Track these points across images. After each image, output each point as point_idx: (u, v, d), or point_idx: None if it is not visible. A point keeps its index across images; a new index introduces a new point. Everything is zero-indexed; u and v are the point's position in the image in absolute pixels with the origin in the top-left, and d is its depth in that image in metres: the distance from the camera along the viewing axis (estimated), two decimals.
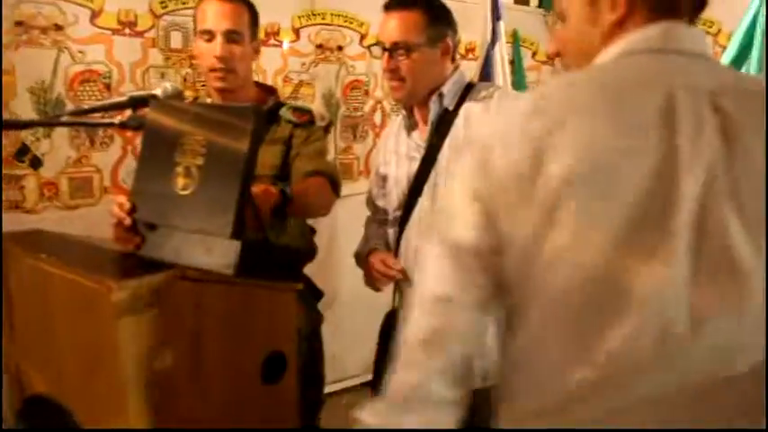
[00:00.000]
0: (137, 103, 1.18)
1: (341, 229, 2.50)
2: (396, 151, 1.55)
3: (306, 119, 1.52)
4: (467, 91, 1.46)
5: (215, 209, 1.02)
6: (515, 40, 3.14)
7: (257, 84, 1.62)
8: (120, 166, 2.32)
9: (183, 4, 2.39)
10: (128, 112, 1.17)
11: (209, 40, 1.44)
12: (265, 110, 1.48)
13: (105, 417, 0.99)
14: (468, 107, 1.43)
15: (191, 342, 1.01)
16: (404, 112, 1.53)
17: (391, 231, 1.55)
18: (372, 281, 1.55)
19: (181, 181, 1.06)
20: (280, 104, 1.55)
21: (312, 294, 1.65)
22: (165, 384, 0.97)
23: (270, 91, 1.62)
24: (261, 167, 1.43)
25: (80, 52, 2.20)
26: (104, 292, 0.91)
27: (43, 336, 1.13)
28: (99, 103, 1.30)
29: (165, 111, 1.13)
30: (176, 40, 2.40)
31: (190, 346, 1.01)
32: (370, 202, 1.69)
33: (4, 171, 2.10)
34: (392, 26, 1.41)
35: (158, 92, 1.19)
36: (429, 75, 1.42)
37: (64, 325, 1.06)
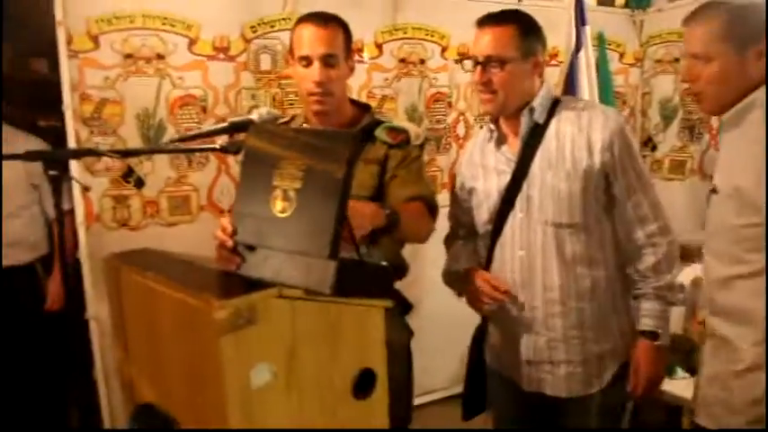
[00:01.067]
0: (236, 128, 1.24)
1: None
2: (483, 165, 1.55)
3: (401, 139, 1.53)
4: (555, 105, 1.47)
5: (313, 231, 1.04)
6: (601, 43, 3.03)
7: (352, 101, 1.64)
8: (216, 185, 2.46)
9: (271, 27, 2.51)
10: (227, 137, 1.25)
11: (307, 66, 1.47)
12: (360, 129, 1.52)
13: (208, 429, 1.04)
14: (559, 122, 1.45)
15: (287, 359, 1.05)
16: (490, 125, 1.54)
17: (481, 245, 1.56)
18: (478, 302, 1.55)
19: (279, 204, 1.10)
20: (376, 122, 1.56)
21: (402, 308, 1.66)
22: (263, 400, 1.00)
23: (365, 108, 1.64)
24: (356, 188, 1.46)
25: (179, 78, 2.36)
26: (207, 310, 0.95)
27: (152, 349, 1.21)
28: (201, 129, 1.38)
29: (263, 135, 1.17)
30: (266, 62, 2.52)
31: (286, 362, 1.05)
32: (453, 217, 1.69)
33: (113, 192, 2.28)
34: (486, 40, 1.43)
35: (255, 116, 1.25)
36: (520, 88, 1.45)
37: (170, 340, 1.12)
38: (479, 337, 1.63)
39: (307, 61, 1.47)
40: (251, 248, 1.12)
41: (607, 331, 1.48)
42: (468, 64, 1.46)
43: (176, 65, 2.35)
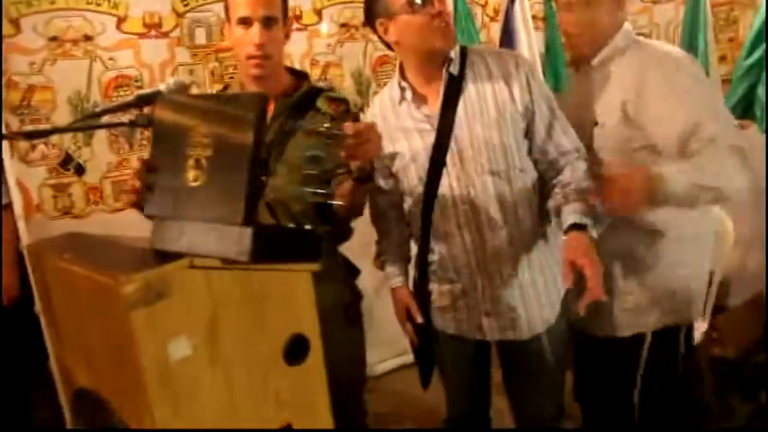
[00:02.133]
0: (144, 100, 1.20)
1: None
2: (401, 127, 1.50)
3: (343, 109, 1.52)
4: (464, 55, 1.46)
5: (226, 198, 1.02)
6: None
7: (288, 69, 1.60)
8: None
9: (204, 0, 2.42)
10: None
11: (246, 27, 1.43)
12: (299, 95, 1.51)
13: (134, 408, 1.02)
14: (474, 72, 1.43)
15: (208, 331, 1.03)
16: (403, 85, 1.48)
17: (415, 209, 1.53)
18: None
19: (192, 173, 1.07)
20: (315, 90, 1.54)
21: (348, 272, 1.66)
22: (185, 374, 0.99)
23: (302, 76, 1.61)
24: (298, 157, 1.45)
25: (110, 59, 2.28)
26: (115, 286, 0.93)
27: (78, 332, 1.18)
28: (108, 105, 1.33)
29: (170, 106, 1.13)
30: (201, 36, 2.45)
31: (207, 334, 1.03)
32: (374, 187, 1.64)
33: (52, 181, 2.22)
34: None
35: (162, 87, 1.20)
36: None
37: (90, 321, 1.10)
38: (422, 303, 1.60)
39: (246, 23, 1.43)
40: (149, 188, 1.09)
41: (551, 266, 1.50)
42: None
43: (106, 45, 2.27)
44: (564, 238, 1.37)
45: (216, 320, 1.03)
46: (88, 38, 2.24)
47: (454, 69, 1.43)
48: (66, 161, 2.23)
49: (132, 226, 2.14)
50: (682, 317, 1.57)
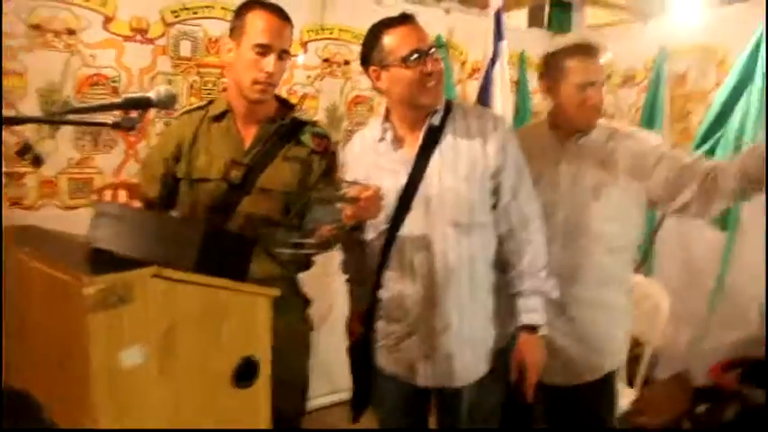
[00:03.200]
0: (131, 104, 1.19)
1: None
2: (377, 165, 1.54)
3: (325, 146, 1.58)
4: (449, 108, 1.52)
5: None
6: (521, 62, 3.16)
7: (277, 97, 1.63)
8: (123, 169, 2.36)
9: (194, 13, 2.45)
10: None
11: (262, 55, 1.45)
12: (285, 124, 1.55)
13: (72, 412, 0.99)
14: (455, 125, 1.50)
15: (163, 341, 1.02)
16: (385, 126, 1.54)
17: (377, 243, 1.56)
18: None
19: None
20: (298, 122, 1.58)
21: (303, 302, 1.67)
22: (133, 383, 0.97)
23: (288, 105, 1.64)
24: (273, 183, 1.51)
25: (91, 56, 2.26)
26: (77, 286, 0.92)
27: (23, 329, 1.14)
28: (93, 104, 1.32)
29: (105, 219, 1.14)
30: (186, 48, 2.46)
31: (161, 345, 1.02)
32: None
33: (5, 169, 2.14)
34: (419, 35, 1.43)
35: (152, 95, 1.21)
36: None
37: (39, 318, 1.07)
38: (368, 337, 1.62)
39: (263, 50, 1.45)
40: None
41: (496, 321, 1.55)
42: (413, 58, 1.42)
43: (89, 42, 2.25)
44: (519, 334, 1.52)
45: (172, 333, 1.03)
46: (71, 32, 2.21)
47: (436, 120, 1.49)
48: (24, 150, 2.15)
49: (84, 224, 2.15)
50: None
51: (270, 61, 1.45)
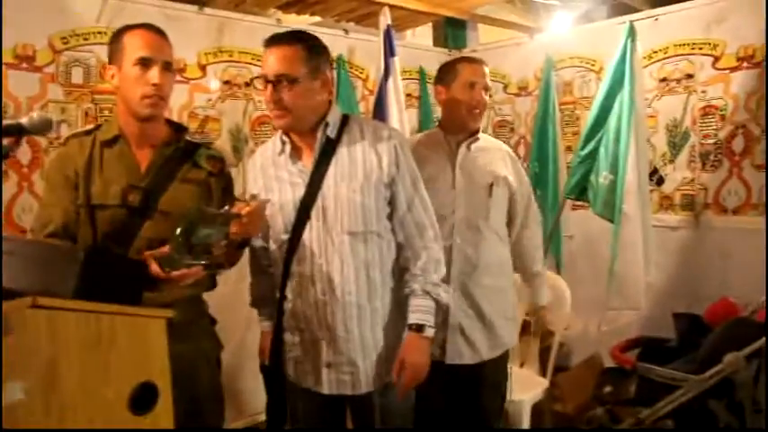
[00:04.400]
0: (1, 132, 1.15)
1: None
2: (276, 177, 1.58)
3: (220, 167, 1.60)
4: (344, 122, 1.57)
5: None
6: (422, 76, 3.29)
7: (168, 121, 1.62)
8: (15, 203, 2.25)
9: (85, 39, 2.38)
10: None
11: (146, 68, 1.45)
12: (180, 147, 1.55)
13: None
14: (350, 137, 1.55)
15: (46, 373, 0.99)
16: (282, 137, 1.58)
17: (278, 253, 1.59)
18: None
19: None
20: (192, 145, 1.58)
21: (210, 320, 1.66)
22: (14, 421, 0.93)
23: (180, 128, 1.63)
24: (173, 205, 1.49)
25: None
26: None
27: None
28: None
29: None
30: (77, 75, 2.38)
31: (45, 378, 0.98)
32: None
33: None
34: (275, 59, 1.47)
35: (24, 121, 1.17)
36: (311, 105, 1.51)
37: None
38: (274, 350, 1.63)
39: (146, 63, 1.44)
40: None
41: (396, 327, 1.58)
42: (261, 82, 1.50)
43: None
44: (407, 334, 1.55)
45: (56, 364, 1.00)
46: None
47: (331, 133, 1.53)
48: None
49: None
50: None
51: (155, 73, 1.45)
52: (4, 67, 2.21)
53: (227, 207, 1.36)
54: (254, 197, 1.49)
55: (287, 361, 1.62)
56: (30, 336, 0.96)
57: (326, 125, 1.53)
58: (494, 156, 1.97)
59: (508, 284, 2.01)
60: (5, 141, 1.15)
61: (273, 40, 1.49)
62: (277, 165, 1.59)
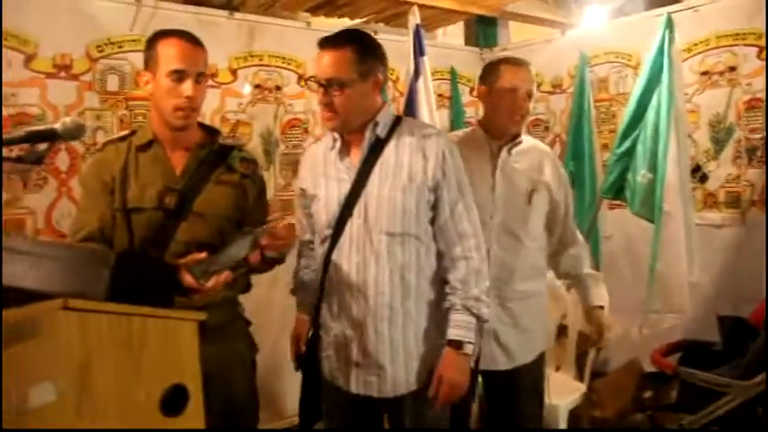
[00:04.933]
0: (36, 137, 1.17)
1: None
2: (325, 173, 1.60)
3: (253, 169, 1.62)
4: (396, 123, 1.57)
5: None
6: (453, 76, 3.25)
7: (200, 124, 1.63)
8: (54, 208, 2.31)
9: (119, 47, 2.44)
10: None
11: (179, 80, 1.46)
12: (214, 149, 1.57)
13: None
14: (399, 139, 1.55)
15: (78, 375, 0.99)
16: (335, 136, 1.59)
17: (320, 249, 1.61)
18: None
19: None
20: (225, 148, 1.59)
21: (245, 323, 1.67)
22: (46, 423, 0.94)
23: (213, 131, 1.65)
24: (208, 207, 1.51)
25: (12, 95, 2.22)
26: None
27: None
28: None
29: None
30: (113, 82, 2.44)
31: (77, 379, 0.99)
32: (299, 222, 1.73)
33: None
34: (326, 63, 1.49)
35: (58, 126, 1.19)
36: (360, 107, 1.52)
37: None
38: (311, 347, 1.65)
39: (179, 75, 1.46)
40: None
41: (429, 334, 1.55)
42: (314, 84, 1.52)
43: (11, 81, 2.20)
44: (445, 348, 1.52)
45: (88, 366, 1.00)
46: None
47: (381, 133, 1.54)
48: None
49: None
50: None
51: (188, 86, 1.46)
52: (43, 76, 2.28)
53: (260, 228, 1.38)
54: (280, 218, 1.50)
55: (322, 359, 1.62)
56: (61, 338, 0.97)
57: (376, 125, 1.54)
58: (535, 160, 1.91)
59: (543, 289, 1.97)
60: (41, 147, 1.17)
61: (326, 42, 1.51)
62: (327, 161, 1.61)
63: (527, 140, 1.95)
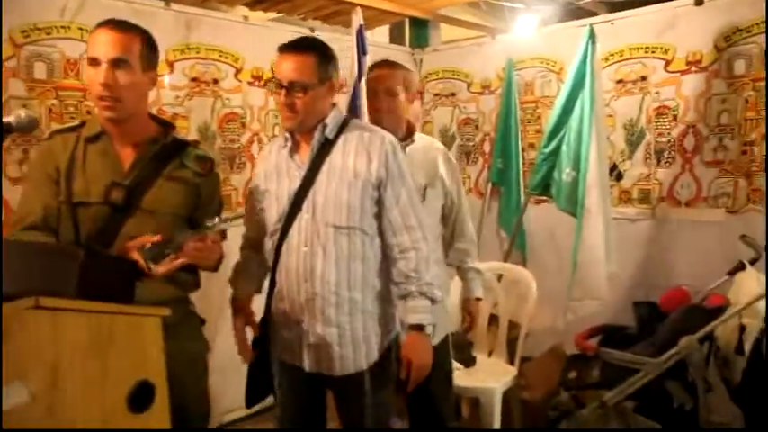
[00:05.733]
0: None
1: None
2: (277, 169, 1.69)
3: (209, 168, 1.61)
4: (344, 124, 1.67)
5: None
6: None
7: (153, 117, 1.60)
8: None
9: (47, 34, 2.32)
10: None
11: (95, 68, 1.42)
12: (166, 144, 1.54)
13: None
14: (346, 139, 1.64)
15: (49, 375, 0.98)
16: (287, 135, 1.68)
17: (270, 242, 1.68)
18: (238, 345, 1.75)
19: None
20: (179, 142, 1.58)
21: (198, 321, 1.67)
22: (19, 423, 0.93)
23: (167, 125, 1.61)
24: (158, 203, 1.48)
25: None
26: None
27: None
28: None
29: None
30: (40, 70, 2.32)
31: (48, 378, 0.98)
32: (247, 216, 1.78)
33: None
34: (290, 67, 1.57)
35: (12, 119, 1.16)
36: (318, 109, 1.62)
37: None
38: (264, 328, 1.74)
39: (94, 63, 1.42)
40: None
41: (374, 317, 1.67)
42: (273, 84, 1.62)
43: None
44: (408, 334, 1.65)
45: (58, 365, 1.00)
46: None
47: (330, 133, 1.64)
48: None
49: None
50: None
51: (101, 72, 1.42)
52: None
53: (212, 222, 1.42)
54: (220, 221, 1.48)
55: (273, 340, 1.72)
56: (32, 336, 0.96)
57: (325, 126, 1.63)
58: (429, 156, 2.04)
59: (443, 276, 2.03)
60: None
61: (289, 48, 1.59)
62: (279, 158, 1.69)
63: (421, 139, 2.08)
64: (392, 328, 1.71)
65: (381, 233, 1.66)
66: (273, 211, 1.66)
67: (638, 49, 2.90)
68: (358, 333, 1.64)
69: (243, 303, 1.76)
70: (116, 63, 1.42)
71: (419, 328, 1.62)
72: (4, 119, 1.16)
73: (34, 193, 1.48)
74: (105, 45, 1.42)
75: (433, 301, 1.64)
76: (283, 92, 1.57)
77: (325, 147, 1.63)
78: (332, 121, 1.63)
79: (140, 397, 1.12)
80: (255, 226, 1.74)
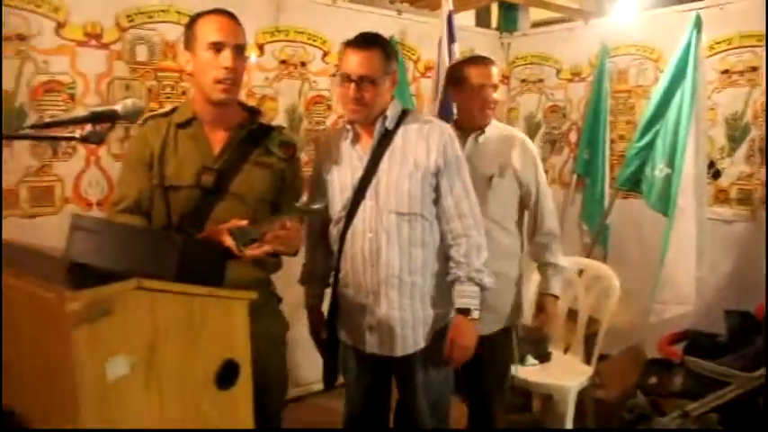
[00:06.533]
0: (98, 118, 1.21)
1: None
2: (339, 160, 1.77)
3: (292, 153, 1.68)
4: (402, 115, 1.76)
5: None
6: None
7: (241, 104, 1.66)
8: (83, 176, 2.35)
9: (149, 18, 2.44)
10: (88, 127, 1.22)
11: (217, 52, 1.49)
12: (253, 130, 1.60)
13: (59, 426, 1.02)
14: (406, 130, 1.72)
15: (147, 352, 1.05)
16: (347, 126, 1.76)
17: (335, 229, 1.78)
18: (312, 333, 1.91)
19: None
20: (265, 128, 1.63)
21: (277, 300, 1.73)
22: (120, 394, 1.00)
23: (254, 111, 1.67)
24: (245, 188, 1.55)
25: (44, 62, 2.23)
26: (59, 302, 0.94)
27: (4, 346, 1.15)
28: (60, 118, 1.32)
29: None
30: (142, 53, 2.45)
31: (146, 355, 1.05)
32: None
33: None
34: (358, 62, 1.65)
35: (119, 107, 1.23)
36: (382, 101, 1.71)
37: (23, 336, 1.08)
38: (332, 314, 1.84)
39: (218, 47, 1.48)
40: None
41: (434, 299, 1.76)
42: (340, 80, 1.70)
43: (41, 48, 2.21)
44: (454, 317, 1.73)
45: (155, 343, 1.06)
46: (21, 37, 2.18)
47: (390, 125, 1.72)
48: None
49: (48, 233, 2.12)
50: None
51: (227, 56, 1.48)
52: (74, 44, 2.29)
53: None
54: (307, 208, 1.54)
55: (339, 325, 1.83)
56: (132, 315, 1.03)
57: (385, 117, 1.71)
58: (502, 146, 2.05)
59: (511, 270, 2.08)
60: (99, 127, 1.21)
61: (356, 43, 1.68)
62: (341, 149, 1.76)
63: (501, 128, 2.10)
64: (450, 310, 1.76)
65: (437, 219, 1.73)
66: (338, 200, 1.75)
67: (749, 36, 2.66)
68: (418, 314, 1.73)
69: (316, 306, 1.89)
70: (239, 49, 1.52)
71: (465, 311, 1.70)
72: (112, 107, 1.23)
73: (130, 177, 1.58)
74: (229, 31, 1.51)
75: (481, 287, 1.70)
76: (352, 85, 1.65)
77: (386, 137, 1.71)
78: (391, 112, 1.71)
79: (226, 375, 1.18)
80: (320, 220, 1.81)
